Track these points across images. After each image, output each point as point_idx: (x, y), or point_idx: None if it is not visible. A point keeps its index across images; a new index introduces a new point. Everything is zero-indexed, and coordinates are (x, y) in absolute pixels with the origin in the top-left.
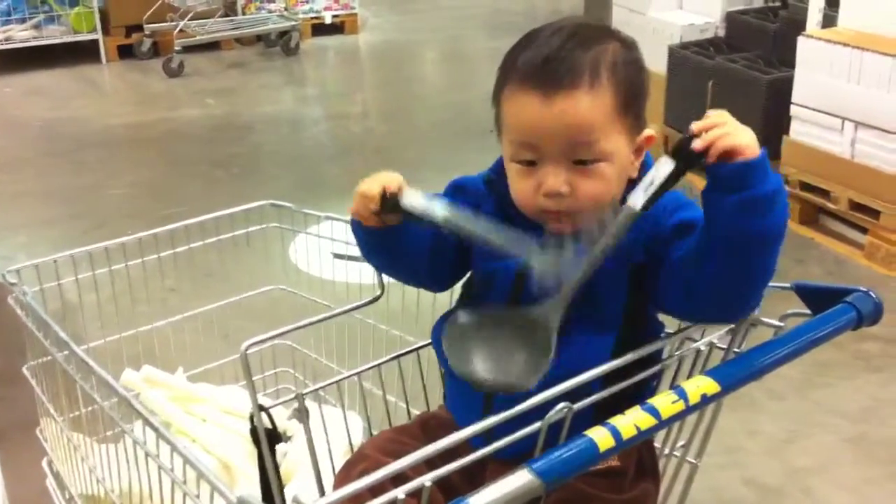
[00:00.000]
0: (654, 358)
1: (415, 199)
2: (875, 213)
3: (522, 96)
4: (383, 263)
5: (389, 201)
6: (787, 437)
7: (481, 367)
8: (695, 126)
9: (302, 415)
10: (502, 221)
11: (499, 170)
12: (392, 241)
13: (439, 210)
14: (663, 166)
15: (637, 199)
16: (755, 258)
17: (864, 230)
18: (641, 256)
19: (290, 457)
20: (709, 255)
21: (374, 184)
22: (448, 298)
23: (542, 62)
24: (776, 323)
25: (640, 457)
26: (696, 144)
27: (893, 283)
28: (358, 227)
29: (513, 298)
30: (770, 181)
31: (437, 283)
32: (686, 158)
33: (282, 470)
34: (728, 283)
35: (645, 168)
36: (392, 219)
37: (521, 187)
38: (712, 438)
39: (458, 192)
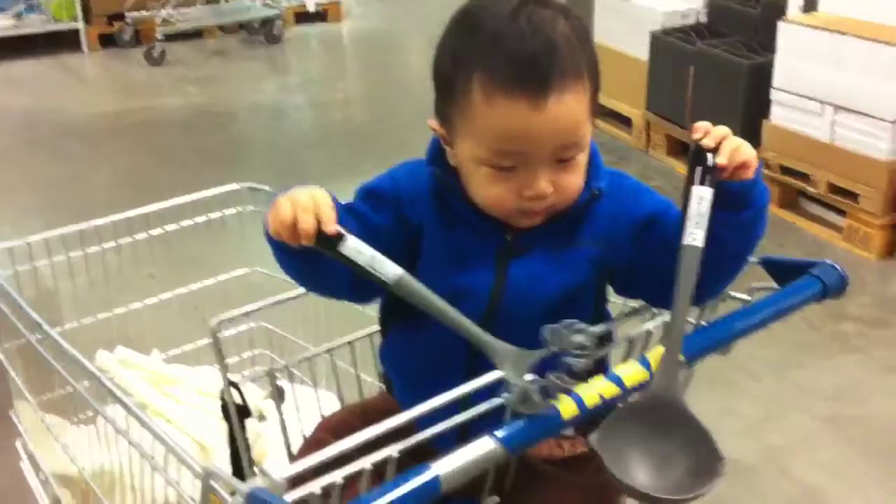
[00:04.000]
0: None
1: (360, 248)
2: (854, 196)
3: (506, 103)
4: (303, 280)
5: (327, 242)
6: (764, 417)
7: (635, 469)
8: (711, 141)
9: (274, 391)
10: (448, 221)
11: (438, 161)
12: (316, 261)
13: (390, 269)
14: (705, 197)
15: (697, 237)
16: (745, 259)
17: (843, 213)
18: (611, 260)
19: (265, 437)
20: (708, 262)
21: (307, 215)
22: None
23: (521, 65)
24: (744, 297)
25: None
26: (721, 160)
27: (872, 265)
28: (277, 246)
29: (487, 316)
30: (764, 189)
31: (363, 299)
32: (712, 176)
33: (257, 450)
34: (717, 280)
35: None
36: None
37: (495, 192)
38: None
39: (371, 199)
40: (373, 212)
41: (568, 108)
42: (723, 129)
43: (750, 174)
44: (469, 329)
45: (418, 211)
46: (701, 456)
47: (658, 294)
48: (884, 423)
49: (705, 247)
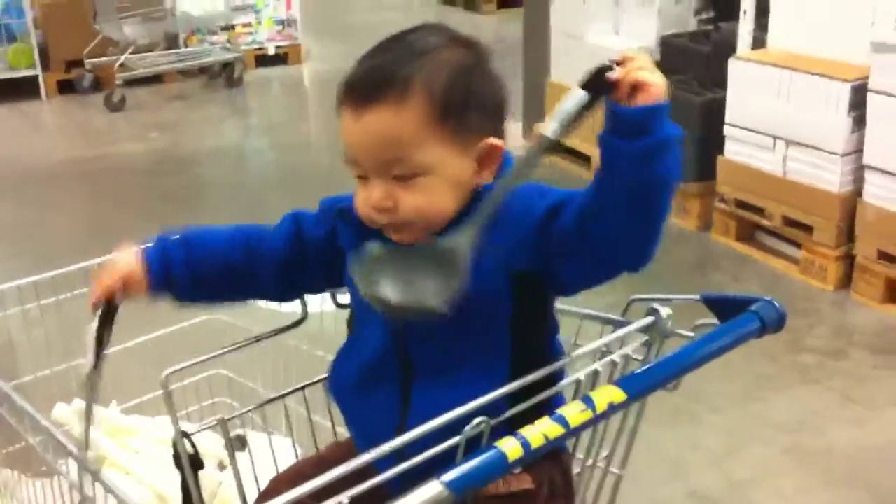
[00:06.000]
0: (558, 375)
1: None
2: (808, 229)
3: (342, 113)
4: (222, 295)
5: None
6: (727, 449)
7: (390, 290)
8: (613, 58)
9: (227, 440)
10: (361, 235)
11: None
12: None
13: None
14: (575, 96)
15: (551, 127)
16: (654, 202)
17: (798, 245)
18: (523, 263)
19: (226, 486)
20: (609, 205)
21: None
22: None
23: (355, 78)
24: (688, 333)
25: (552, 479)
26: (613, 75)
27: (828, 296)
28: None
29: (402, 328)
30: (670, 125)
31: (287, 295)
32: (598, 87)
33: (218, 500)
34: (630, 229)
35: (503, 169)
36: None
37: (357, 200)
38: (653, 453)
39: (320, 212)
40: (314, 224)
41: (383, 122)
42: (641, 58)
43: (647, 98)
44: None
45: (342, 234)
46: (447, 275)
47: (591, 272)
48: (844, 452)
49: (602, 178)
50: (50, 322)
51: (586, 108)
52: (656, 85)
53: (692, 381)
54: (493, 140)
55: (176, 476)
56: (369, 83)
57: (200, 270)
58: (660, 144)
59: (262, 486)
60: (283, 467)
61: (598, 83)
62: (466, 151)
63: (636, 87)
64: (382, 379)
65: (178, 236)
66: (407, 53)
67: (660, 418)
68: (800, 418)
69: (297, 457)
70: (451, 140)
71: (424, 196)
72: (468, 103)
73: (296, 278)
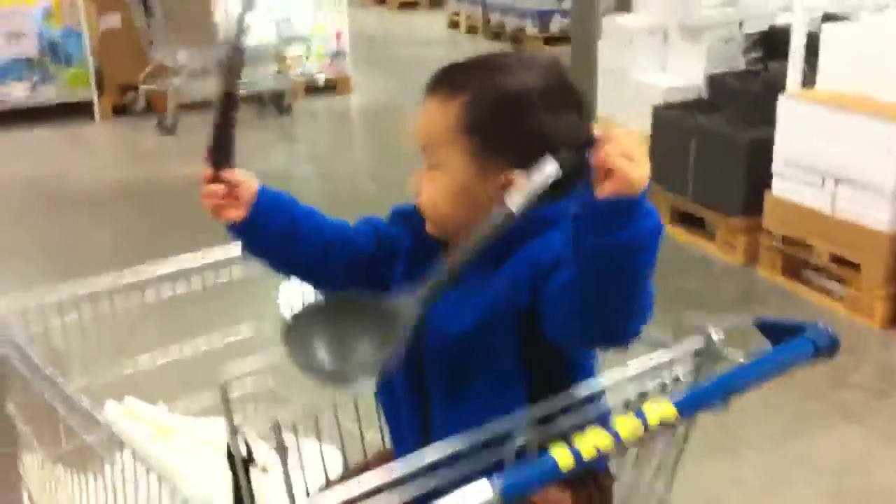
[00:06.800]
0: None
1: None
2: (856, 267)
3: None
4: (272, 260)
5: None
6: (767, 487)
7: (321, 354)
8: (598, 134)
9: (280, 442)
10: (421, 252)
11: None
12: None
13: None
14: (548, 170)
15: (516, 200)
16: (619, 293)
17: (844, 283)
18: (527, 300)
19: (265, 491)
20: (582, 286)
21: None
22: None
23: (438, 71)
24: (739, 360)
25: (590, 496)
26: (593, 158)
27: (874, 334)
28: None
29: (418, 343)
30: (643, 222)
31: (331, 281)
32: (574, 165)
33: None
34: (596, 311)
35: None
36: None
37: None
38: (691, 487)
39: (398, 218)
40: (388, 224)
41: (431, 112)
42: (626, 140)
43: (619, 188)
44: None
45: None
46: (383, 340)
47: (568, 338)
48: (886, 495)
49: (571, 255)
50: (101, 331)
51: (557, 186)
52: (632, 178)
53: (732, 416)
54: (512, 176)
55: (220, 477)
56: (439, 77)
57: (295, 236)
58: (622, 246)
59: (311, 491)
60: (330, 475)
61: (574, 160)
62: (486, 174)
63: (609, 174)
64: (405, 394)
65: (285, 195)
66: (482, 65)
67: (699, 452)
68: (842, 458)
69: (344, 465)
70: (472, 155)
71: (434, 188)
72: (500, 133)
73: (367, 271)
